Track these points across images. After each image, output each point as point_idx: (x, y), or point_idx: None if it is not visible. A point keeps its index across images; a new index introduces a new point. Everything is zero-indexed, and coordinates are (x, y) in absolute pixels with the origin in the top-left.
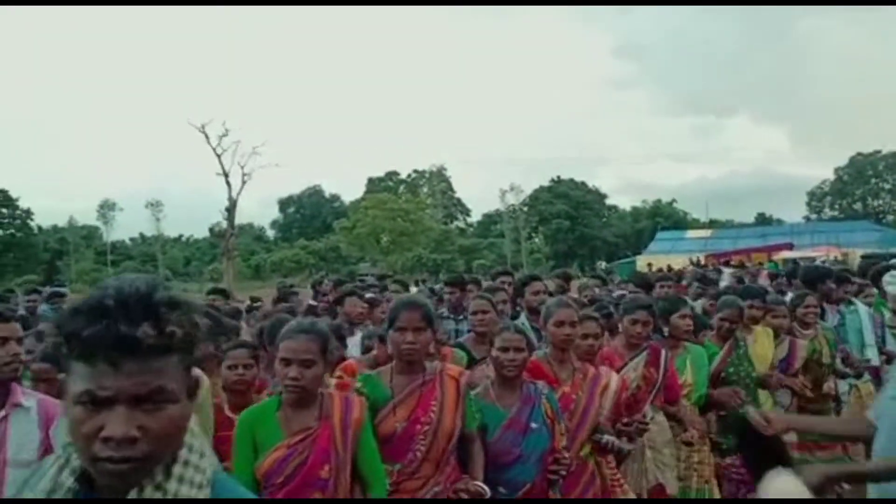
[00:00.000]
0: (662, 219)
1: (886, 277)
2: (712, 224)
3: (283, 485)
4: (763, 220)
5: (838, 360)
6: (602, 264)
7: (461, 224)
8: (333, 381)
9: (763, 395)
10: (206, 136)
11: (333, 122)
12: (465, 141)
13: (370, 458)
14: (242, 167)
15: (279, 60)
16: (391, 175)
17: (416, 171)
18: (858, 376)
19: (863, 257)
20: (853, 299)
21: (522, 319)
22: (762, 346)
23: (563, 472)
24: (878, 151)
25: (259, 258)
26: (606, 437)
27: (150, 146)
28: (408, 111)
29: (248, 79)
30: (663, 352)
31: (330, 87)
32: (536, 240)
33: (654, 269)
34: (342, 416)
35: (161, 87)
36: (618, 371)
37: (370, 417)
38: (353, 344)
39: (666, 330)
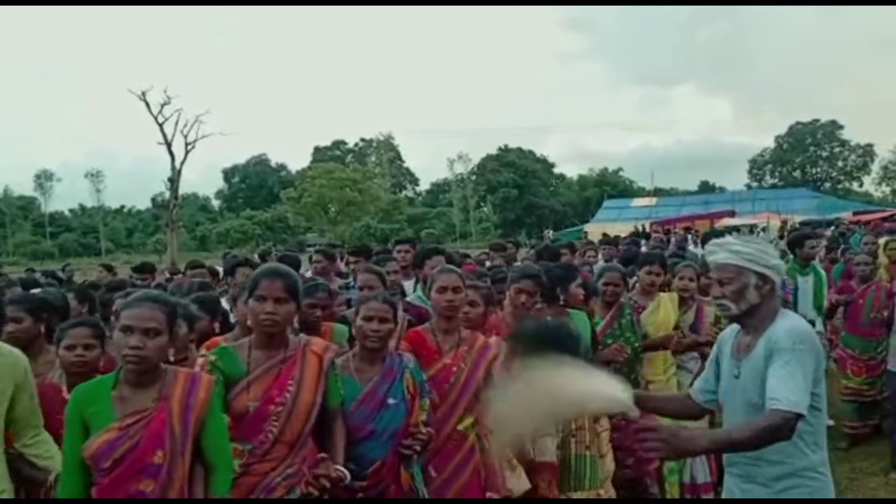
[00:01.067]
0: (609, 187)
1: (709, 246)
2: (657, 192)
3: (110, 470)
4: (706, 188)
5: None
6: (550, 233)
7: (410, 193)
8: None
9: (664, 362)
10: (147, 104)
11: (279, 91)
12: (413, 110)
13: (216, 442)
14: (185, 136)
15: (223, 26)
16: (338, 144)
17: (363, 139)
18: None
19: (801, 223)
20: None
21: (418, 292)
22: (665, 312)
23: (417, 447)
24: (817, 120)
25: (204, 229)
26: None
27: (88, 114)
28: (355, 79)
29: (190, 45)
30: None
31: (276, 54)
32: (485, 209)
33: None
34: (184, 395)
35: (100, 52)
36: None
37: (223, 394)
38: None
39: (562, 298)
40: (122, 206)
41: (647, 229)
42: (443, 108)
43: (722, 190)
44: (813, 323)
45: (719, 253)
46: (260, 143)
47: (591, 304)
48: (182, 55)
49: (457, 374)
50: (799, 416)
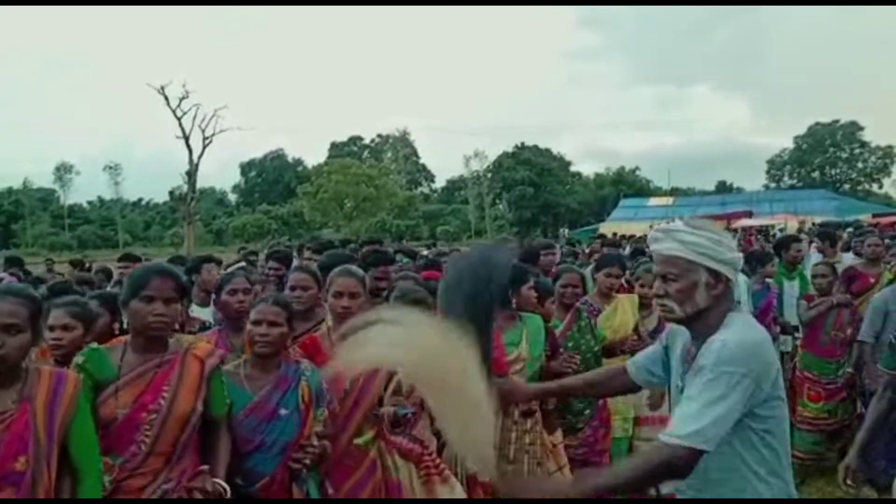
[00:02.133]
0: (625, 186)
1: (653, 233)
2: (674, 192)
3: None
4: (723, 188)
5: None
6: (565, 231)
7: (425, 190)
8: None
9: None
10: (166, 98)
11: (297, 86)
12: (429, 107)
13: (83, 447)
14: (203, 130)
15: (242, 21)
16: (355, 140)
17: (379, 136)
18: None
19: (819, 225)
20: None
21: None
22: (623, 315)
23: (307, 461)
24: (837, 121)
25: (220, 223)
26: (383, 410)
27: (108, 108)
28: (372, 76)
29: (209, 40)
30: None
31: (294, 50)
32: (500, 206)
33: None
34: (48, 396)
35: (119, 45)
36: None
37: (90, 399)
38: (208, 315)
39: (513, 301)
40: (140, 199)
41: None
42: (459, 106)
43: (739, 190)
44: (797, 328)
45: (665, 241)
46: (277, 138)
47: (546, 307)
48: (201, 49)
49: (352, 381)
50: (697, 452)
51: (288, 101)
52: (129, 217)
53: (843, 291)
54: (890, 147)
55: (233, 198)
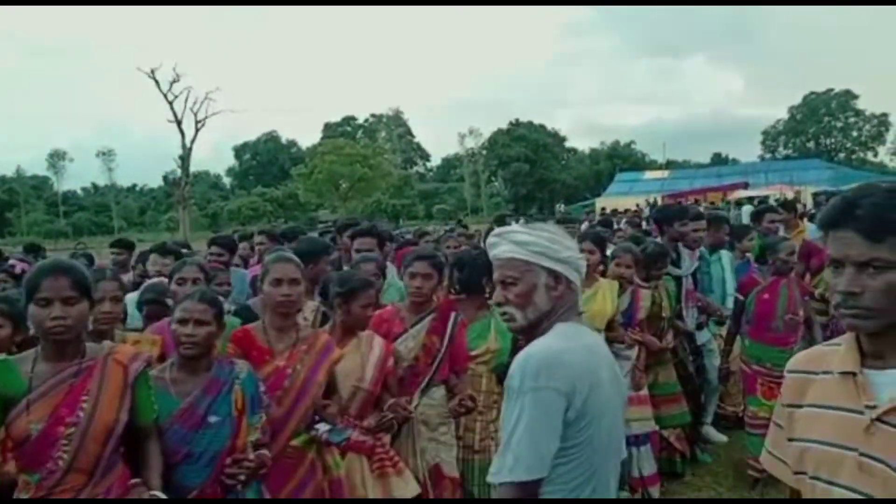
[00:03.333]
0: (621, 160)
1: (490, 238)
2: (669, 165)
3: None
4: (719, 160)
5: (691, 312)
6: (562, 207)
7: (421, 169)
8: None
9: None
10: (157, 82)
11: (289, 67)
12: (423, 85)
13: None
14: (195, 114)
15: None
16: (348, 120)
17: (373, 115)
18: (720, 324)
19: (814, 195)
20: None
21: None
22: (602, 301)
23: (242, 477)
24: (831, 90)
25: (216, 206)
26: (321, 429)
27: (99, 94)
28: (364, 55)
29: (199, 23)
30: (452, 316)
31: (285, 31)
32: (496, 183)
33: (606, 211)
34: None
35: (110, 31)
36: (394, 339)
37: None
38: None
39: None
40: (134, 185)
41: (660, 202)
42: (453, 83)
43: (735, 162)
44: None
45: (501, 245)
46: (270, 120)
47: None
48: (191, 32)
49: (291, 377)
50: (531, 483)
51: (280, 82)
52: (124, 203)
53: (801, 269)
54: (884, 115)
55: (227, 181)
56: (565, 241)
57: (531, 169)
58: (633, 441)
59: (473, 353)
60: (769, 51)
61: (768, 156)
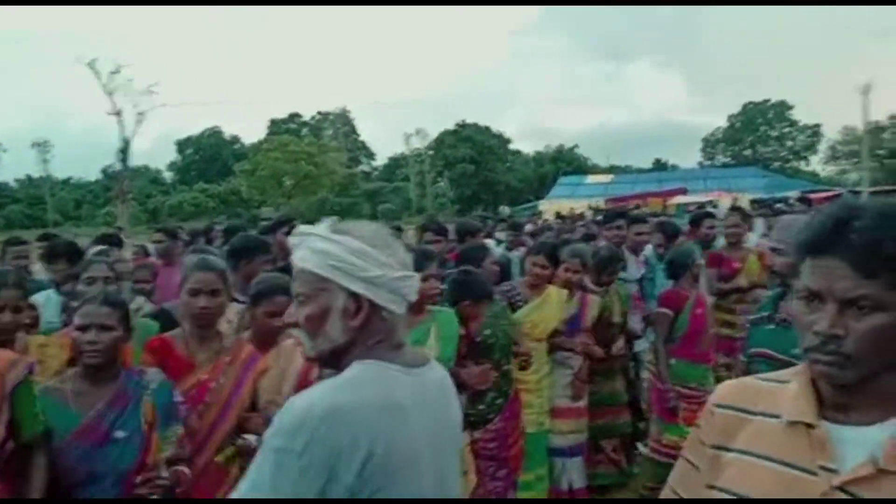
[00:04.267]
0: (565, 164)
1: (291, 238)
2: (613, 169)
3: None
4: (660, 165)
5: (636, 319)
6: (506, 209)
7: (366, 168)
8: None
9: (537, 360)
10: (96, 73)
11: (234, 62)
12: (369, 84)
13: None
14: (136, 106)
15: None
16: (294, 117)
17: (319, 113)
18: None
19: (752, 202)
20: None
21: None
22: (549, 309)
23: (154, 497)
24: (768, 100)
25: (156, 201)
26: (251, 439)
27: (35, 83)
28: (311, 52)
29: (142, 12)
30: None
31: (231, 25)
32: (442, 184)
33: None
34: None
35: (47, 19)
36: None
37: None
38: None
39: None
40: (70, 177)
41: (602, 206)
42: (399, 83)
43: (675, 168)
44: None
45: (298, 250)
46: (214, 115)
47: None
48: (133, 22)
49: (214, 391)
50: None
51: (225, 77)
52: (59, 196)
53: (715, 276)
54: (817, 125)
55: (168, 176)
56: (380, 255)
57: (476, 170)
58: (567, 452)
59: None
60: (711, 59)
61: (707, 163)
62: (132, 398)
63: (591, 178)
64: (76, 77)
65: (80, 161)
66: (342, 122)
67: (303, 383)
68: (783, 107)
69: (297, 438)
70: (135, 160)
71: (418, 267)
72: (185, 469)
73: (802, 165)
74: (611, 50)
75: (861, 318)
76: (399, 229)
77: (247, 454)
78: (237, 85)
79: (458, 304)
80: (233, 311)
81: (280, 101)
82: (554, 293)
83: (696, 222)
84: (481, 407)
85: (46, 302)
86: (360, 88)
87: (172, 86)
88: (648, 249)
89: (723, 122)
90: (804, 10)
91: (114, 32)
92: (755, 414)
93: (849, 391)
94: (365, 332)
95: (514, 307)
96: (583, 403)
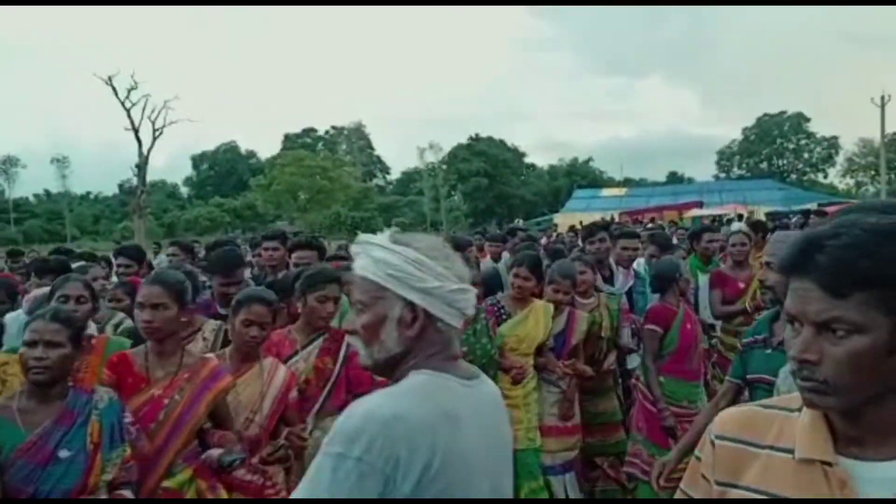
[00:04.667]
0: (579, 177)
1: (353, 247)
2: (627, 182)
3: None
4: (675, 178)
5: (625, 332)
6: (520, 222)
7: (380, 182)
8: None
9: (529, 374)
10: (114, 89)
11: (250, 77)
12: (383, 98)
13: None
14: (153, 122)
15: (193, 11)
16: (308, 132)
17: (334, 127)
18: None
19: (767, 215)
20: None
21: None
22: (534, 325)
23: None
24: (784, 112)
25: (172, 216)
26: (214, 453)
27: (54, 99)
28: (326, 67)
29: (159, 29)
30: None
31: (246, 40)
32: (455, 197)
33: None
34: None
35: (66, 36)
36: (284, 362)
37: None
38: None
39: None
40: (88, 193)
41: (617, 219)
42: (413, 97)
43: (690, 181)
44: (713, 327)
45: (358, 258)
46: (229, 130)
47: None
48: (150, 38)
49: (167, 408)
50: None
51: (241, 92)
52: (77, 211)
53: (718, 297)
54: (834, 138)
55: (185, 191)
56: (437, 267)
57: (490, 184)
58: (559, 469)
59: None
60: (724, 71)
61: (723, 175)
62: (79, 417)
63: (606, 192)
64: (94, 93)
65: (98, 176)
66: (357, 137)
67: (283, 401)
68: (800, 118)
69: (356, 445)
70: (151, 175)
71: None
72: (128, 493)
73: (820, 178)
74: (622, 65)
75: (837, 341)
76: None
77: (209, 471)
78: (253, 100)
79: None
80: (209, 328)
81: (295, 116)
82: (540, 307)
83: (695, 237)
84: None
85: (13, 321)
86: (374, 103)
87: (188, 101)
88: (640, 262)
89: (737, 135)
90: (819, 20)
91: (131, 48)
92: (762, 447)
93: (857, 422)
94: (420, 342)
95: (499, 321)
96: (572, 423)
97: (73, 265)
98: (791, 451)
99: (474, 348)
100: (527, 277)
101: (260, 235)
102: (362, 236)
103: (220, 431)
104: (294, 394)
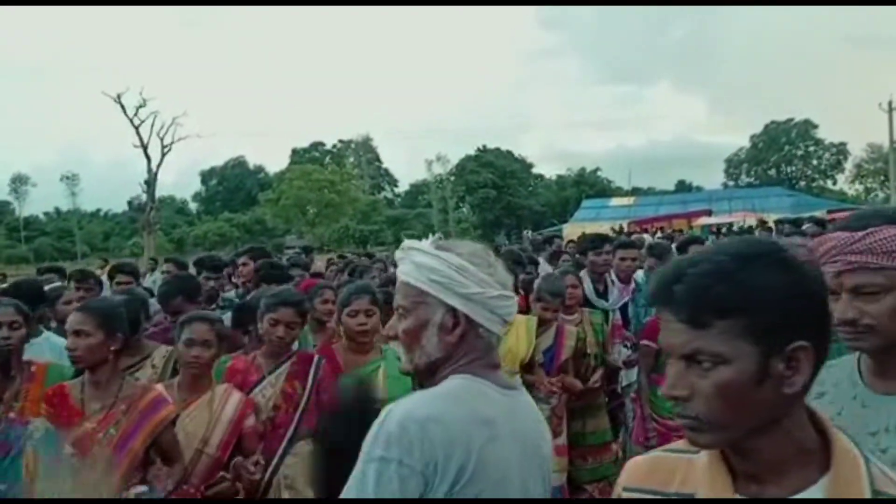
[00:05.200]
0: (587, 187)
1: (398, 253)
2: (635, 192)
3: None
4: (683, 187)
5: (617, 348)
6: (529, 233)
7: (388, 194)
8: None
9: None
10: (123, 107)
11: (256, 93)
12: (391, 111)
13: None
14: (162, 138)
15: (198, 28)
16: (316, 146)
17: (341, 141)
18: None
19: (776, 222)
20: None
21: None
22: (515, 340)
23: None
24: (791, 119)
25: (182, 232)
26: (135, 490)
27: (62, 117)
28: (333, 81)
29: (165, 47)
30: (315, 360)
31: (252, 56)
32: (464, 209)
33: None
34: None
35: (74, 54)
36: (250, 389)
37: None
38: None
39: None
40: (98, 210)
41: (626, 229)
42: (421, 109)
43: (699, 189)
44: None
45: (402, 264)
46: (237, 146)
47: None
48: (157, 56)
49: (100, 441)
50: None
51: (248, 108)
52: (87, 228)
53: None
54: (843, 144)
55: (194, 206)
56: (480, 273)
57: (498, 195)
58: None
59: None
60: (731, 79)
61: (731, 183)
62: (12, 449)
63: (615, 201)
64: (103, 111)
65: (107, 193)
66: (365, 150)
67: (237, 430)
68: (807, 125)
69: (396, 448)
70: (160, 191)
71: (344, 303)
72: None
73: (829, 184)
74: (628, 73)
75: (704, 374)
76: (370, 255)
77: None
78: (260, 115)
79: None
80: (159, 355)
81: (303, 130)
82: (522, 321)
83: (682, 249)
84: None
85: None
86: (381, 116)
87: (197, 117)
88: (640, 274)
89: (745, 142)
90: (824, 25)
91: (139, 66)
92: (669, 496)
93: (749, 458)
94: (461, 348)
95: None
96: (561, 441)
97: (48, 286)
98: (693, 497)
99: None
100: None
101: (239, 251)
102: (407, 242)
103: (156, 466)
104: (251, 421)
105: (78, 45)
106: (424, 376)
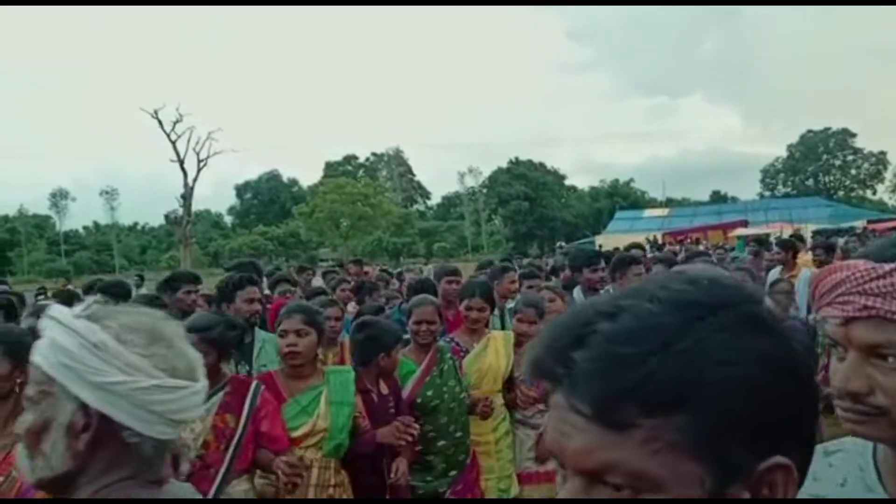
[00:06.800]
0: (620, 198)
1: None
2: (669, 203)
3: None
4: (718, 197)
5: None
6: (562, 245)
7: (421, 207)
8: None
9: (494, 418)
10: (160, 123)
11: (290, 107)
12: (423, 124)
13: None
14: (198, 153)
15: (234, 44)
16: (349, 159)
17: (374, 154)
18: None
19: (814, 233)
20: None
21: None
22: (494, 356)
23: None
24: (828, 128)
25: (217, 245)
26: None
27: (102, 133)
28: (366, 94)
29: (202, 63)
30: (253, 387)
31: (286, 71)
32: (496, 221)
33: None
34: None
35: (113, 70)
36: None
37: None
38: None
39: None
40: (136, 223)
41: (661, 240)
42: (453, 122)
43: (734, 200)
44: None
45: (43, 333)
46: (271, 159)
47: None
48: (193, 71)
49: (1, 489)
50: None
51: (282, 122)
52: (125, 241)
53: None
54: (882, 153)
55: (229, 220)
56: (131, 353)
57: (531, 207)
58: None
59: (295, 434)
60: (765, 89)
61: (767, 194)
62: None
63: (648, 212)
64: (140, 126)
65: (144, 207)
66: (397, 163)
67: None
68: (845, 134)
69: None
70: (196, 205)
71: (278, 322)
72: None
73: (868, 194)
74: (661, 85)
75: None
76: (361, 264)
77: None
78: (294, 129)
79: (373, 361)
80: None
81: (336, 144)
82: (499, 336)
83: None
84: (429, 479)
85: None
86: (413, 129)
87: (231, 132)
88: None
89: (782, 152)
90: (861, 34)
91: (176, 82)
92: None
93: None
94: (95, 460)
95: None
96: (552, 466)
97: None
98: None
99: (441, 392)
100: (481, 308)
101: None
102: (51, 308)
103: None
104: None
105: (117, 63)
106: (54, 494)
